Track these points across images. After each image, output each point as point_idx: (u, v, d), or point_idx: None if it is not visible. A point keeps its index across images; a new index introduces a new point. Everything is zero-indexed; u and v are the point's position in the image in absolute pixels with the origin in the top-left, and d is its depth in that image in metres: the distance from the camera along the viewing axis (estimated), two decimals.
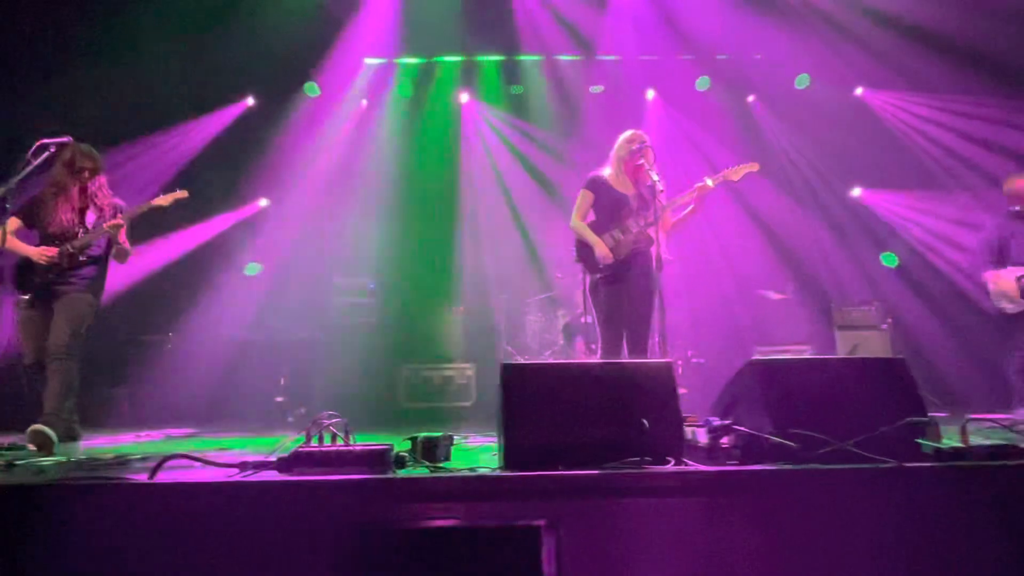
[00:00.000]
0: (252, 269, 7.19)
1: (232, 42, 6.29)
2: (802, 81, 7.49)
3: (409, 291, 7.07)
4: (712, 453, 2.27)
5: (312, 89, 7.28)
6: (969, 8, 5.96)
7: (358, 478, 1.99)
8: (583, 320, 6.41)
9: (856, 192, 7.69)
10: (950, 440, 2.11)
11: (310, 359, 6.37)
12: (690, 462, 2.19)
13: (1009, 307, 4.65)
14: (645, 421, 2.18)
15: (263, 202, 7.38)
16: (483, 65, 7.57)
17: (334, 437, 2.19)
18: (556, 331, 6.56)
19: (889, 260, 7.45)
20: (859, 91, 7.50)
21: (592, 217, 3.95)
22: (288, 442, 2.43)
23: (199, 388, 5.87)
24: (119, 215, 3.79)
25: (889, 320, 6.48)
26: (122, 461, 2.78)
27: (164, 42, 6.19)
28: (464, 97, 7.70)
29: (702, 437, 2.36)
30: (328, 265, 7.02)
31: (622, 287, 3.79)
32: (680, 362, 6.36)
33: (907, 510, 1.94)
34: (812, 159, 7.53)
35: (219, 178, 6.77)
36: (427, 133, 7.59)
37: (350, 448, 2.12)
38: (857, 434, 2.09)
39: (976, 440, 2.12)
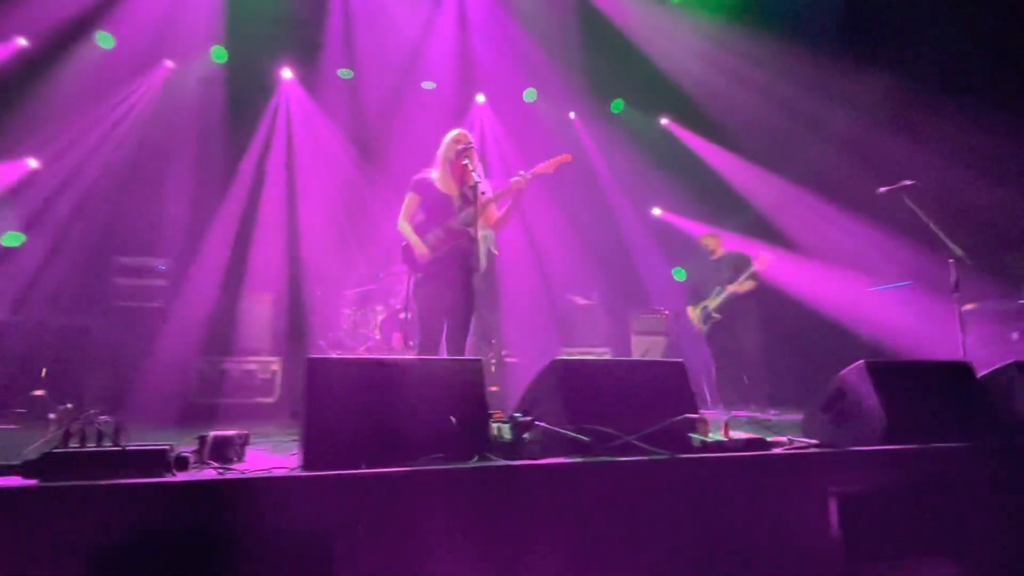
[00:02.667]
0: (12, 240, 6.09)
1: None
2: (617, 106, 8.15)
3: (209, 275, 6.41)
4: (515, 448, 2.35)
5: (105, 40, 6.36)
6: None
7: (127, 483, 1.75)
8: (402, 316, 6.35)
9: (656, 212, 8.54)
10: (715, 434, 2.40)
11: (81, 348, 5.52)
12: (494, 457, 2.25)
13: (700, 328, 6.18)
14: (452, 418, 2.20)
15: (32, 163, 6.28)
16: (311, 43, 7.13)
17: (100, 436, 1.91)
18: (373, 326, 6.42)
19: (679, 274, 8.36)
20: (664, 121, 8.34)
21: (421, 217, 3.94)
22: (42, 442, 2.09)
23: None
24: None
25: (676, 328, 7.28)
26: None
27: None
28: (287, 73, 7.24)
29: (506, 433, 2.44)
30: (110, 241, 6.14)
31: (442, 286, 3.81)
32: (494, 361, 6.55)
33: (679, 495, 2.18)
34: (622, 177, 8.22)
35: None
36: (241, 106, 6.95)
37: (118, 449, 1.86)
38: (642, 428, 2.30)
39: (736, 434, 2.44)
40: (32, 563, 1.63)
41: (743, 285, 5.86)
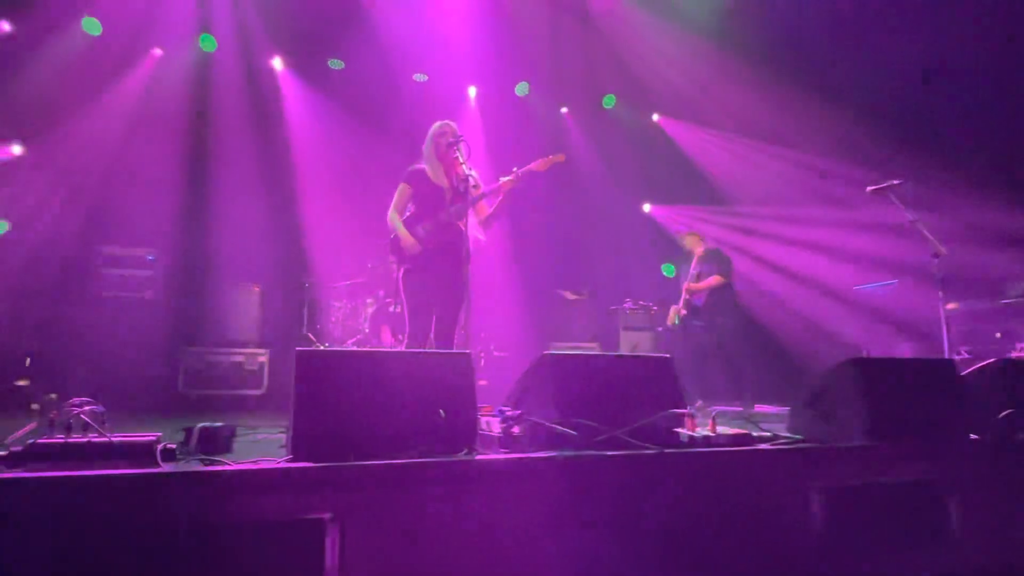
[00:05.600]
0: None
1: None
2: (609, 101, 8.15)
3: (197, 266, 6.37)
4: (503, 442, 2.36)
5: (91, 26, 6.27)
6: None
7: (112, 473, 1.74)
8: (391, 309, 6.34)
9: (647, 208, 8.56)
10: (702, 429, 2.42)
11: (67, 337, 5.47)
12: (482, 450, 2.25)
13: (674, 325, 6.22)
14: (441, 411, 2.20)
15: (16, 149, 6.19)
16: (301, 31, 7.05)
17: (86, 427, 1.90)
18: (363, 319, 6.40)
19: (668, 270, 8.40)
20: (656, 117, 8.35)
21: (412, 209, 3.92)
22: (24, 433, 2.07)
23: None
24: None
25: (664, 324, 7.32)
26: None
27: None
28: (277, 63, 7.17)
29: (495, 427, 2.45)
30: (97, 230, 6.07)
31: (431, 279, 3.80)
32: (483, 355, 6.56)
33: (666, 489, 2.19)
34: (613, 173, 8.23)
35: None
36: (231, 94, 6.87)
37: (105, 439, 1.85)
38: (630, 423, 2.31)
39: (723, 428, 2.46)
40: (18, 554, 1.62)
41: (701, 283, 5.93)
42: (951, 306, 5.19)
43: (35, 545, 1.63)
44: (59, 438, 1.87)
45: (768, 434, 2.55)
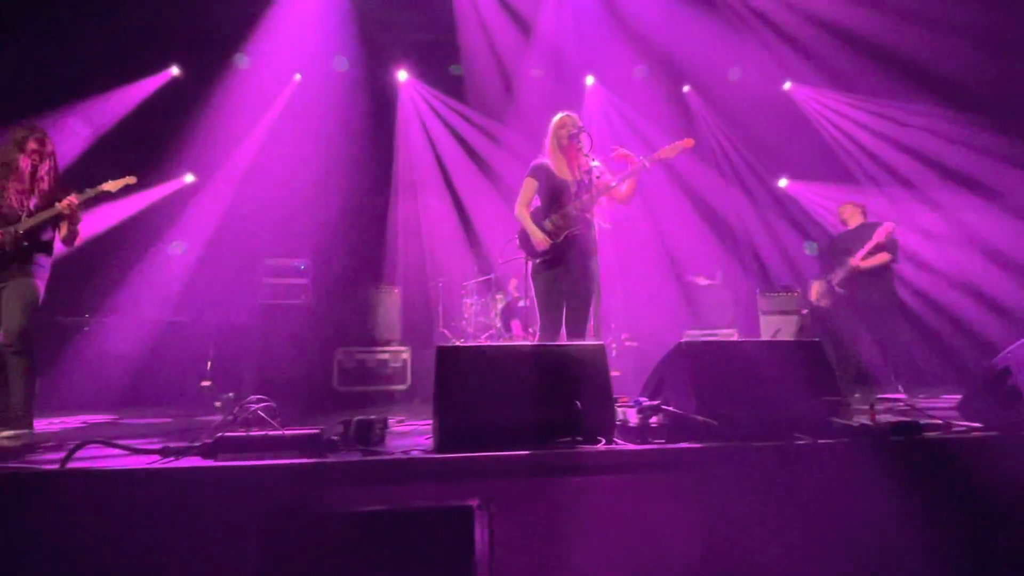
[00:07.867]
0: (176, 247, 6.88)
1: (155, 6, 5.97)
2: (734, 73, 7.73)
3: (343, 272, 6.90)
4: (642, 432, 2.33)
5: (242, 61, 6.98)
6: (888, 16, 6.35)
7: (287, 463, 1.94)
8: (520, 304, 6.47)
9: (783, 183, 8.02)
10: (860, 418, 2.24)
11: (238, 342, 6.14)
12: (621, 441, 2.24)
13: (822, 304, 5.55)
14: (578, 402, 2.22)
15: (188, 178, 7.05)
16: (422, 43, 7.40)
17: (262, 421, 2.13)
18: (493, 314, 6.58)
19: (811, 248, 7.82)
20: (787, 85, 7.79)
21: (539, 203, 3.97)
22: (214, 427, 2.35)
23: (120, 372, 5.61)
24: (70, 197, 3.59)
25: (809, 307, 6.83)
26: (32, 448, 2.61)
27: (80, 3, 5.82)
28: (402, 75, 7.56)
29: (632, 417, 2.42)
30: (257, 244, 6.76)
31: (561, 271, 3.82)
32: (614, 345, 6.51)
33: (821, 483, 2.06)
34: (743, 150, 7.81)
35: (141, 151, 6.41)
36: (362, 108, 7.36)
37: (279, 432, 2.06)
38: (777, 412, 2.19)
39: (883, 418, 2.26)
40: (210, 532, 1.85)
41: (868, 260, 5.17)
42: None
43: (228, 524, 1.85)
44: (241, 431, 2.10)
45: (939, 422, 2.31)
